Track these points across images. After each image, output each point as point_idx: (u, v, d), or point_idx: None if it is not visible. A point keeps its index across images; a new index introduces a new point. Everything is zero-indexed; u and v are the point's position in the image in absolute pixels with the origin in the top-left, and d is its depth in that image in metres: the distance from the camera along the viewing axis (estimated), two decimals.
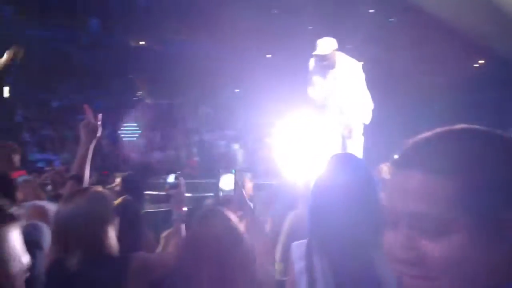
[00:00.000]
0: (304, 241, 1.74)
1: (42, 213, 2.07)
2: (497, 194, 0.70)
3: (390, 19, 19.45)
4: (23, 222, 1.95)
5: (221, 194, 2.21)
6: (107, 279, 1.61)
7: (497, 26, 13.19)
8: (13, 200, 2.14)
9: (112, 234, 1.61)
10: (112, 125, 15.42)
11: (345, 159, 1.86)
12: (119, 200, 3.58)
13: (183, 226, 2.14)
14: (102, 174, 5.87)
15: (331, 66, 4.63)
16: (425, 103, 14.70)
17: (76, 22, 19.60)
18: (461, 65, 19.95)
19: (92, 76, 19.41)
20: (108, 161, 12.31)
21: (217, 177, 2.23)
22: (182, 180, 2.33)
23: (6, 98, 9.41)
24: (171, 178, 2.33)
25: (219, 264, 1.52)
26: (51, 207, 2.21)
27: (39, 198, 2.29)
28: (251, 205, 2.60)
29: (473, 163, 0.72)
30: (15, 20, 18.53)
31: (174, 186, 2.29)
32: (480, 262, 0.69)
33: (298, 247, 1.71)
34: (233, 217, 1.70)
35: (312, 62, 4.82)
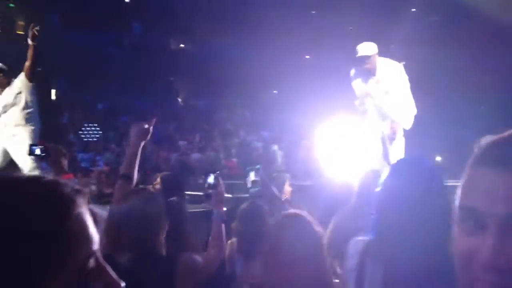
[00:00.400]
0: (363, 238, 1.71)
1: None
2: None
3: (434, 18, 18.94)
4: None
5: (251, 190, 2.21)
6: (156, 277, 1.63)
7: None
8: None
9: (162, 234, 1.64)
10: (154, 126, 15.76)
11: (415, 162, 1.78)
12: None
13: (223, 226, 2.16)
14: (145, 173, 5.99)
15: (373, 70, 4.55)
16: (471, 103, 14.21)
17: (119, 26, 20.18)
18: (509, 63, 19.17)
19: (134, 79, 19.93)
20: (149, 161, 12.58)
21: (245, 175, 2.24)
22: (221, 180, 2.35)
23: (53, 101, 9.81)
24: (210, 178, 2.35)
25: (304, 269, 1.52)
26: (99, 211, 2.26)
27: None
28: (281, 198, 2.59)
29: None
30: (62, 26, 19.31)
31: (214, 186, 2.31)
32: None
33: (356, 244, 1.66)
34: (312, 220, 1.69)
35: (353, 71, 4.74)
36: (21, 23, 19.48)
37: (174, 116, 17.41)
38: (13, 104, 4.54)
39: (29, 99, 4.57)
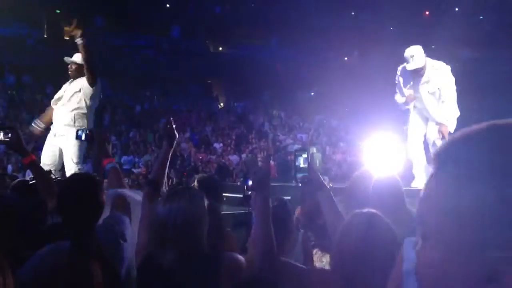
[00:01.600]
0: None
1: (123, 202, 2.16)
2: None
3: (479, 17, 18.34)
4: (107, 211, 2.06)
5: (298, 176, 2.18)
6: (201, 276, 1.67)
7: None
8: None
9: (205, 233, 1.68)
10: (191, 128, 15.97)
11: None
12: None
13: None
14: (182, 175, 6.08)
15: (422, 72, 4.46)
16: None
17: (158, 30, 20.64)
18: None
19: (173, 81, 20.29)
20: (187, 162, 12.76)
21: (294, 159, 2.21)
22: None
23: None
24: (251, 182, 2.37)
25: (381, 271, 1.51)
26: (132, 195, 2.29)
27: (122, 186, 2.40)
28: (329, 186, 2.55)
29: None
30: (105, 28, 19.92)
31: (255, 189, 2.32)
32: None
33: (411, 244, 1.59)
34: (388, 220, 1.67)
35: (401, 68, 4.65)
36: (68, 28, 20.22)
37: (211, 118, 17.59)
38: (66, 102, 4.49)
39: (85, 102, 4.48)
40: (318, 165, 7.43)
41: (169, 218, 1.65)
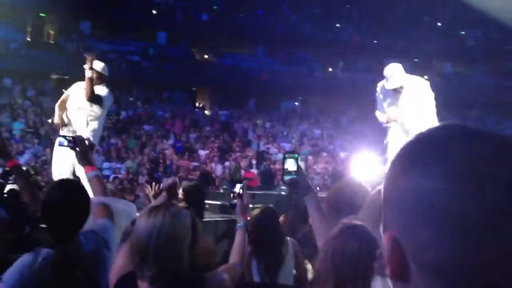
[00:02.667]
0: None
1: (106, 211, 2.13)
2: None
3: (461, 32, 18.74)
4: (90, 219, 2.00)
5: (286, 178, 2.21)
6: None
7: None
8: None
9: (187, 252, 1.62)
10: (174, 135, 15.90)
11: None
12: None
13: (245, 234, 2.18)
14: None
15: (401, 90, 4.55)
16: (500, 120, 13.92)
17: (145, 36, 20.58)
18: None
19: (158, 88, 20.23)
20: (169, 169, 12.69)
21: (283, 162, 2.24)
22: (246, 190, 2.41)
23: None
24: (237, 188, 2.40)
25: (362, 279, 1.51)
26: (115, 204, 2.27)
27: (105, 195, 2.37)
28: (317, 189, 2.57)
29: None
30: (92, 34, 19.80)
31: (240, 195, 2.36)
32: None
33: None
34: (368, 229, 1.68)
35: (381, 85, 4.72)
36: (52, 32, 20.05)
37: (196, 126, 17.55)
38: (79, 111, 4.61)
39: (93, 113, 4.59)
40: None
41: (151, 234, 1.58)
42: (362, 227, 1.65)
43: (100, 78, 4.62)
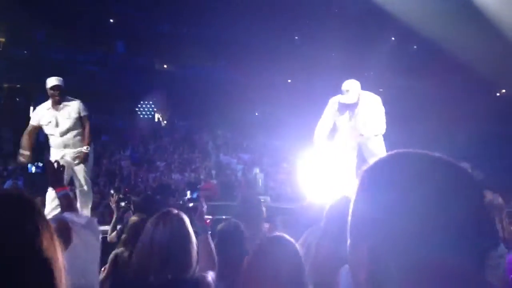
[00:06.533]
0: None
1: (63, 227, 2.11)
2: None
3: (413, 47, 19.48)
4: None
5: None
6: None
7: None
8: None
9: (191, 257, 1.69)
10: (132, 146, 15.64)
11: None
12: (133, 219, 3.65)
13: (209, 237, 2.21)
14: (125, 191, 5.97)
15: (354, 106, 4.69)
16: (446, 132, 14.49)
17: (103, 45, 20.19)
18: (483, 94, 19.75)
19: (116, 98, 19.83)
20: (127, 181, 12.44)
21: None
22: (201, 195, 2.44)
23: (30, 117, 9.67)
24: (191, 194, 2.42)
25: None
26: (76, 219, 2.25)
27: (71, 209, 2.38)
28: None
29: None
30: (47, 43, 19.23)
31: (195, 199, 2.38)
32: None
33: (346, 272, 1.64)
34: (292, 241, 1.71)
35: (335, 100, 4.82)
36: (2, 39, 19.33)
37: (155, 136, 17.33)
38: (72, 128, 5.03)
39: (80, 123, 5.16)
40: (260, 185, 7.52)
41: (153, 241, 1.63)
42: (279, 238, 1.70)
43: (63, 93, 5.02)
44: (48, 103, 5.06)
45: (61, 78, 4.96)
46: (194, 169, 13.80)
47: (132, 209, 3.81)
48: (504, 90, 20.49)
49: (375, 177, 0.61)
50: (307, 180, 4.35)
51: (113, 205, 4.15)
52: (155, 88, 19.70)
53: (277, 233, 1.82)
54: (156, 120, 21.17)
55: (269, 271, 1.60)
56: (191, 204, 2.44)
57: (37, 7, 16.93)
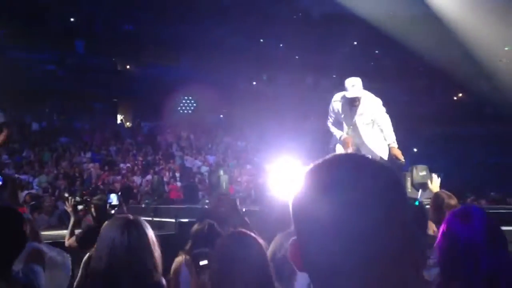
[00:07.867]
0: None
1: (38, 255, 2.03)
2: None
3: (374, 51, 19.93)
4: (20, 264, 1.90)
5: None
6: None
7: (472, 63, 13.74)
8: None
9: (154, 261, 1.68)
10: (93, 148, 15.23)
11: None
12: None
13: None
14: (83, 194, 5.78)
15: (358, 103, 4.74)
16: (407, 135, 14.92)
17: (62, 44, 19.56)
18: (442, 98, 20.47)
19: (76, 98, 19.28)
20: (87, 184, 12.09)
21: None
22: (121, 199, 2.41)
23: None
24: (113, 199, 2.36)
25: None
26: (48, 251, 2.17)
27: (37, 239, 2.24)
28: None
29: None
30: (5, 42, 18.46)
31: (118, 205, 2.35)
32: None
33: (304, 278, 1.65)
34: (256, 236, 1.72)
35: (337, 98, 4.85)
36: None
37: (117, 138, 16.95)
38: None
39: None
40: (224, 187, 7.49)
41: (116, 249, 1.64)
42: (244, 234, 1.72)
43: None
44: None
45: None
46: (157, 171, 13.58)
47: (94, 213, 3.69)
48: (460, 94, 21.29)
49: (311, 179, 0.68)
50: (275, 181, 4.35)
51: (69, 209, 3.99)
52: (117, 88, 19.29)
53: (239, 229, 1.83)
54: (119, 121, 20.73)
55: (235, 264, 1.62)
56: (112, 211, 2.40)
57: None
